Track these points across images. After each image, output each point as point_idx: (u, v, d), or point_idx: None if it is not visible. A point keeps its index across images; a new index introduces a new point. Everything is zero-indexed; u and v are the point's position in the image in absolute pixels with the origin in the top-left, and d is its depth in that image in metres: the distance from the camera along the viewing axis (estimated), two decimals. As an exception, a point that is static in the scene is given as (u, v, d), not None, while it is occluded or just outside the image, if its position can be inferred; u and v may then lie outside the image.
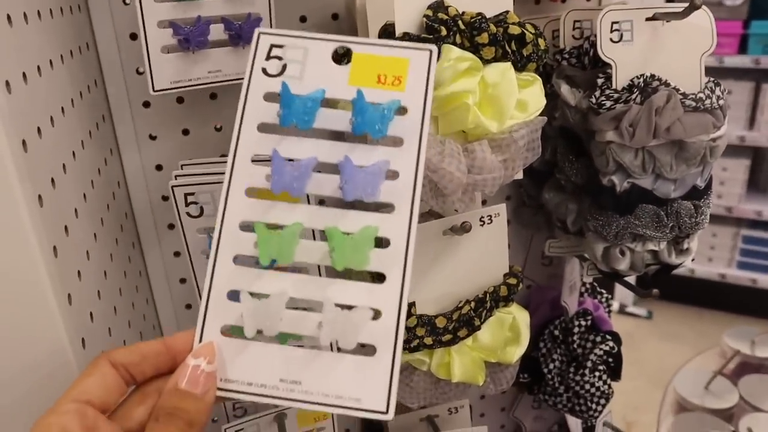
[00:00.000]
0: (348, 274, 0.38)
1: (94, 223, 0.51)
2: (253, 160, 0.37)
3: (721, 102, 0.56)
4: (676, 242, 0.59)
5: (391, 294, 0.34)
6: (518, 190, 0.74)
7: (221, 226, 0.37)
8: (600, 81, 0.56)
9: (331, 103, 0.38)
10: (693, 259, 0.62)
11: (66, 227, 0.43)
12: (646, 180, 0.57)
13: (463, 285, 0.55)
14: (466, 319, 0.52)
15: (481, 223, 0.54)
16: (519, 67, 0.47)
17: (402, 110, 0.37)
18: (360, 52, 0.38)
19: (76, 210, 0.46)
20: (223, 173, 0.48)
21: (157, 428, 0.32)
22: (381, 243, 0.35)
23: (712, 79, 0.58)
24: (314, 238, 0.37)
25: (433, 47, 0.37)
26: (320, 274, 0.44)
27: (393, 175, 0.36)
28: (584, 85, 0.58)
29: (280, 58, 0.38)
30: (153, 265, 0.67)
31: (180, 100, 0.62)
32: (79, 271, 0.44)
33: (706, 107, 0.55)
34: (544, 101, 0.48)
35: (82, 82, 0.54)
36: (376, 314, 0.34)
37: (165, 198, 0.65)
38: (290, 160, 0.37)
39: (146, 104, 0.62)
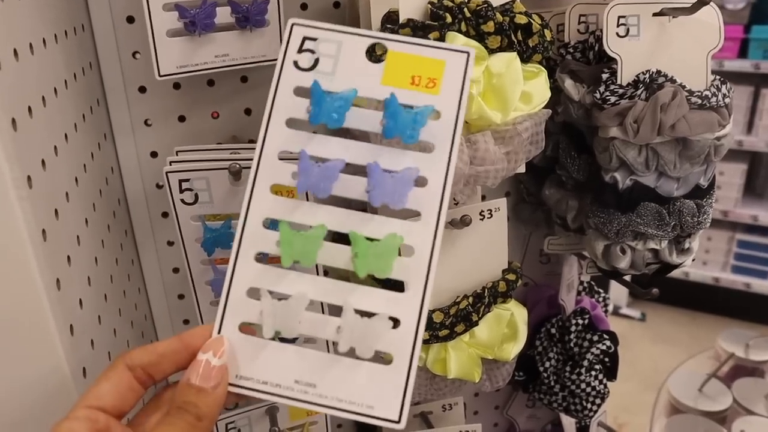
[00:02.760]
0: (356, 281, 0.37)
1: (86, 209, 0.50)
2: (279, 157, 0.36)
3: (726, 100, 0.55)
4: (678, 241, 0.59)
5: (412, 304, 0.34)
6: (518, 186, 0.73)
7: (245, 221, 0.36)
8: (605, 76, 0.55)
9: (361, 102, 0.37)
10: (693, 259, 0.62)
11: (56, 210, 0.42)
12: (649, 177, 0.56)
13: (462, 280, 0.54)
14: (463, 315, 0.51)
15: (481, 217, 0.53)
16: (524, 58, 0.46)
17: (435, 114, 0.35)
18: (395, 51, 0.37)
19: (67, 194, 0.45)
20: (220, 160, 0.48)
21: (167, 421, 0.32)
22: (405, 251, 0.34)
23: (718, 77, 0.57)
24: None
25: (471, 50, 0.36)
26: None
27: (422, 181, 0.35)
28: (588, 80, 0.58)
29: (312, 52, 0.37)
30: (146, 254, 0.66)
31: (177, 86, 0.61)
32: (68, 256, 0.43)
33: (712, 105, 0.54)
34: (548, 93, 0.48)
35: (77, 64, 0.52)
36: (395, 323, 0.33)
37: (159, 186, 0.64)
38: (317, 158, 0.36)
39: (142, 89, 0.60)
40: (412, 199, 0.35)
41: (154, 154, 0.62)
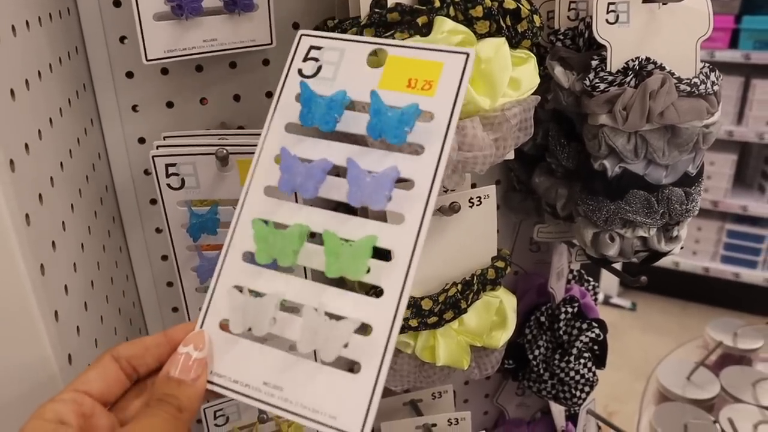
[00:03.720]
0: (350, 285, 0.37)
1: (72, 194, 0.49)
2: (276, 160, 0.37)
3: (715, 88, 0.55)
4: (666, 229, 0.59)
5: (386, 310, 0.32)
6: (508, 174, 0.73)
7: (236, 221, 0.37)
8: (594, 63, 0.55)
9: (355, 106, 0.37)
10: (682, 247, 0.62)
11: (40, 195, 0.42)
12: (638, 165, 0.56)
13: (450, 267, 0.54)
14: (452, 302, 0.51)
15: (470, 204, 0.53)
16: (513, 44, 0.46)
17: (427, 116, 0.35)
18: (395, 55, 0.37)
19: (51, 179, 0.45)
20: (207, 145, 0.47)
21: (148, 413, 0.33)
22: (384, 255, 0.34)
23: (707, 64, 0.57)
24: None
25: (471, 51, 0.35)
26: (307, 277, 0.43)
27: (409, 184, 0.34)
28: (578, 68, 0.57)
29: (316, 60, 0.38)
30: (134, 241, 0.65)
31: (165, 71, 0.60)
32: (53, 242, 0.43)
33: (701, 93, 0.54)
34: (537, 80, 0.47)
35: (62, 47, 0.52)
36: (367, 329, 0.33)
37: (147, 172, 0.63)
38: (305, 160, 0.36)
39: (129, 74, 0.60)
40: (395, 202, 0.34)
41: (141, 141, 0.62)
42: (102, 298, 0.54)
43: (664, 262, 2.43)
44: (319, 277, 0.36)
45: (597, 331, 0.70)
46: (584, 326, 0.70)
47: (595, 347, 0.72)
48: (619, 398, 1.77)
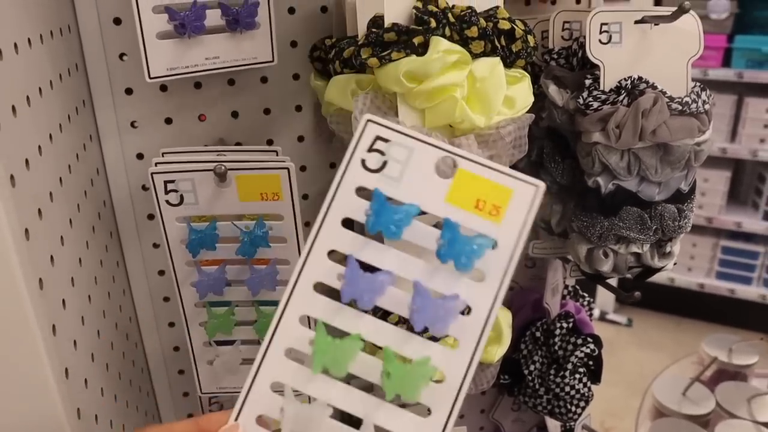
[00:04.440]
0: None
1: (70, 209, 0.50)
2: (329, 255, 0.36)
3: (706, 107, 0.56)
4: (659, 245, 0.59)
5: (434, 430, 0.33)
6: (503, 190, 0.73)
7: (281, 314, 0.36)
8: (588, 82, 0.56)
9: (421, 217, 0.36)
10: (675, 263, 0.62)
11: (39, 210, 0.42)
12: (631, 182, 0.57)
13: (446, 282, 0.54)
14: (447, 317, 0.52)
15: (466, 220, 0.53)
16: (508, 63, 0.47)
17: (493, 243, 0.35)
18: (465, 169, 0.36)
19: (51, 194, 0.45)
20: (205, 161, 0.48)
21: None
22: (437, 377, 0.34)
23: (698, 83, 0.58)
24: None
25: (541, 184, 0.35)
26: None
27: (466, 310, 0.34)
28: (572, 86, 0.58)
29: (382, 153, 0.36)
30: (131, 256, 0.66)
31: (164, 88, 0.61)
32: (52, 256, 0.43)
33: (692, 111, 0.55)
34: (531, 98, 0.48)
35: (63, 64, 0.53)
36: None
37: (145, 188, 0.64)
38: (366, 265, 0.35)
39: (128, 91, 0.60)
40: (453, 327, 0.34)
41: (140, 156, 0.62)
42: (99, 313, 0.54)
43: (659, 279, 2.42)
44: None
45: (592, 346, 0.70)
46: (579, 341, 0.70)
47: (590, 362, 0.72)
48: (615, 414, 1.76)
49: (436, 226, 0.35)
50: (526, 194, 0.35)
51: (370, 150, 0.36)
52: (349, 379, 0.35)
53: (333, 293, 0.36)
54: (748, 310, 2.15)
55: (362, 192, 0.36)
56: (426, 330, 0.35)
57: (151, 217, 0.65)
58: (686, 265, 2.24)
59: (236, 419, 0.35)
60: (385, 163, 0.36)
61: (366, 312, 0.35)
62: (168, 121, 0.62)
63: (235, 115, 0.64)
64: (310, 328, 0.36)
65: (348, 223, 0.36)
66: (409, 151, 0.36)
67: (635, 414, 1.26)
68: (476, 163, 0.36)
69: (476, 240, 0.34)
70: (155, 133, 0.62)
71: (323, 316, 0.35)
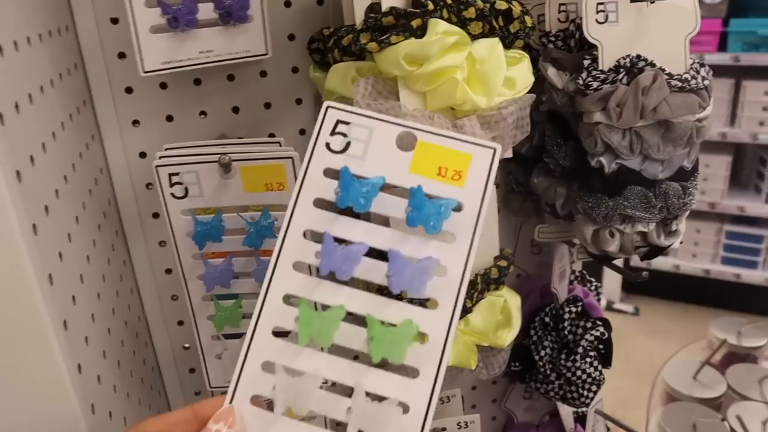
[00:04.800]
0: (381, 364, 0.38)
1: (76, 207, 0.50)
2: (304, 235, 0.37)
3: (706, 83, 0.56)
4: (665, 224, 0.59)
5: (422, 391, 0.34)
6: (507, 177, 0.73)
7: (264, 296, 0.37)
8: (586, 62, 0.56)
9: (388, 188, 0.38)
10: (681, 242, 0.62)
11: (46, 207, 0.42)
12: (634, 161, 0.57)
13: (453, 267, 0.54)
14: (456, 301, 0.52)
15: (471, 204, 0.53)
16: (506, 44, 0.47)
17: (458, 206, 0.37)
18: (424, 141, 0.38)
19: (56, 191, 0.45)
20: (209, 154, 0.48)
21: None
22: (419, 338, 0.35)
23: (697, 60, 0.58)
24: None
25: (498, 146, 0.37)
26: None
27: (441, 270, 0.36)
28: (571, 68, 0.58)
29: (344, 135, 0.38)
30: (137, 255, 0.66)
31: (163, 85, 0.61)
32: (60, 252, 0.43)
33: (692, 87, 0.55)
34: (532, 79, 0.48)
35: (62, 64, 0.53)
36: (405, 409, 0.34)
37: (149, 186, 0.64)
38: (341, 239, 0.37)
39: (129, 90, 0.60)
40: (430, 287, 0.35)
41: (142, 155, 0.63)
42: (108, 311, 0.54)
43: (664, 266, 2.41)
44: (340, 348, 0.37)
45: (602, 329, 0.70)
46: (588, 325, 0.70)
47: (601, 346, 0.72)
48: (625, 403, 1.76)
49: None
50: (485, 157, 0.37)
51: (333, 133, 0.39)
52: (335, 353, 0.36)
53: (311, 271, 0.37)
54: (755, 294, 2.15)
55: (329, 173, 0.38)
56: (404, 295, 0.36)
57: (156, 215, 0.65)
58: (691, 252, 2.24)
59: (230, 402, 0.36)
60: (348, 144, 0.38)
61: (345, 284, 0.37)
62: (169, 118, 0.62)
63: (235, 110, 0.64)
64: (293, 305, 0.36)
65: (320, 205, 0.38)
66: (370, 131, 0.38)
67: (645, 402, 1.26)
68: (434, 134, 0.38)
69: (441, 202, 0.36)
70: (157, 130, 0.62)
71: (306, 293, 0.36)
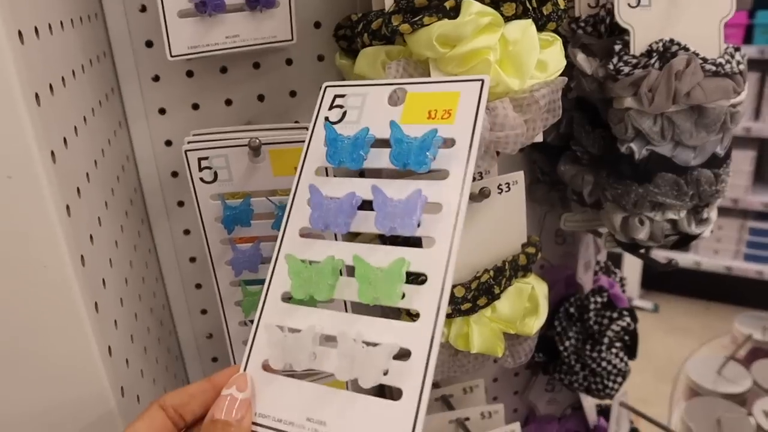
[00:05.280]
0: (385, 312, 0.38)
1: (105, 192, 0.50)
2: (308, 203, 0.38)
3: (741, 67, 0.55)
4: (696, 211, 0.58)
5: (422, 333, 0.33)
6: (532, 166, 0.73)
7: (274, 263, 0.38)
8: (617, 47, 0.55)
9: (382, 144, 0.38)
10: (712, 231, 0.61)
11: (78, 189, 0.42)
12: (665, 147, 0.56)
13: (481, 255, 0.54)
14: (485, 288, 0.51)
15: (499, 190, 0.53)
16: (539, 26, 0.46)
17: (450, 142, 0.36)
18: (413, 92, 0.38)
19: (87, 174, 0.46)
20: (237, 139, 0.48)
21: None
22: (418, 279, 0.34)
23: (731, 44, 0.57)
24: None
25: (486, 77, 0.36)
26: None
27: (435, 208, 0.35)
28: (601, 54, 0.57)
29: (341, 107, 0.40)
30: (162, 243, 0.66)
31: (190, 73, 0.61)
32: (91, 235, 0.44)
33: (727, 72, 0.54)
34: (564, 62, 0.48)
35: (92, 51, 0.53)
36: (406, 354, 0.33)
37: (174, 174, 0.64)
38: (334, 198, 0.37)
39: (156, 78, 0.61)
40: (425, 226, 0.35)
41: (168, 143, 0.63)
42: (135, 296, 0.55)
43: (685, 262, 2.38)
44: (359, 310, 0.36)
45: (628, 319, 0.69)
46: (615, 315, 0.70)
47: (626, 337, 0.71)
48: (644, 400, 1.73)
49: None
50: (473, 91, 0.36)
51: (331, 107, 0.40)
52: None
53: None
54: (778, 291, 2.11)
55: None
56: (396, 236, 0.35)
57: (181, 204, 0.65)
58: (713, 248, 2.21)
59: (244, 369, 0.36)
60: (344, 114, 0.39)
61: (348, 240, 0.37)
62: (195, 106, 0.62)
63: (261, 98, 0.64)
64: None
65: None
66: (363, 97, 0.39)
67: (665, 400, 1.25)
68: (422, 83, 0.38)
69: (423, 136, 0.36)
70: (183, 119, 0.62)
71: (303, 254, 0.37)
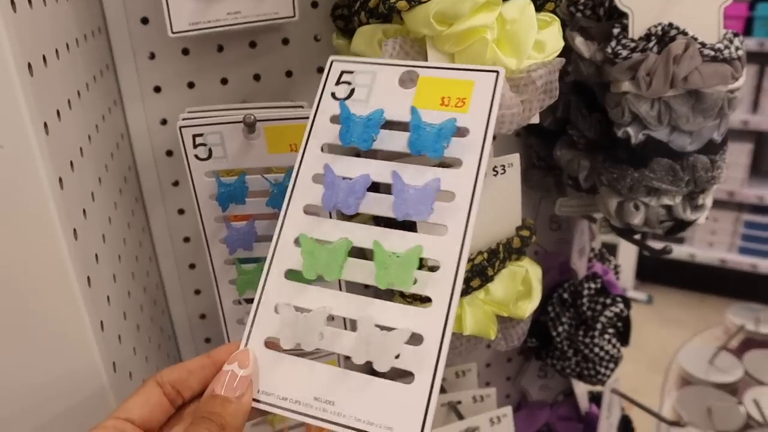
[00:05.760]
0: (396, 296, 0.38)
1: (99, 168, 0.50)
2: (313, 180, 0.38)
3: (739, 53, 0.55)
4: (691, 197, 0.58)
5: (436, 319, 0.33)
6: (528, 151, 0.73)
7: (277, 240, 0.37)
8: (616, 31, 0.55)
9: (393, 126, 0.38)
10: (707, 218, 0.61)
11: (71, 162, 0.42)
12: (662, 132, 0.56)
13: (475, 237, 0.53)
14: (479, 269, 0.51)
15: (494, 173, 0.53)
16: (537, 6, 0.46)
17: (464, 131, 0.36)
18: (426, 76, 0.38)
19: (81, 149, 0.45)
20: (232, 116, 0.48)
21: (189, 430, 0.33)
22: (431, 266, 0.34)
23: (730, 30, 0.56)
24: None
25: (501, 69, 0.36)
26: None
27: (449, 196, 0.35)
28: (599, 37, 0.57)
29: (348, 83, 0.39)
30: (156, 222, 0.66)
31: (186, 51, 0.61)
32: (84, 210, 0.43)
33: (725, 57, 0.54)
34: (562, 42, 0.47)
35: (86, 25, 0.52)
36: (418, 339, 0.33)
37: (169, 153, 0.64)
38: (345, 177, 0.37)
39: (151, 55, 0.60)
40: (438, 213, 0.35)
41: (163, 122, 0.62)
42: (128, 274, 0.55)
43: (680, 254, 2.38)
44: (358, 293, 0.36)
45: (621, 305, 0.70)
46: (608, 301, 0.70)
47: (619, 323, 0.71)
48: (637, 390, 1.74)
49: None
50: (488, 81, 0.36)
51: (338, 83, 0.39)
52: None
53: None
54: (772, 284, 2.12)
55: (336, 119, 0.39)
56: (410, 222, 0.36)
57: (176, 183, 0.65)
58: (707, 241, 2.21)
59: (246, 345, 0.36)
60: (352, 91, 0.39)
61: (351, 220, 0.37)
62: (191, 85, 0.62)
63: (257, 77, 0.63)
64: None
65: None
66: (372, 75, 0.39)
67: (657, 390, 1.26)
68: (435, 68, 0.38)
69: (439, 124, 0.36)
70: (178, 97, 0.62)
71: (311, 232, 0.37)
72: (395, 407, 0.32)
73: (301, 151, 0.39)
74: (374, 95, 0.38)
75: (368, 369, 0.34)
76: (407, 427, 0.31)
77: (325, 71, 0.40)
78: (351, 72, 0.39)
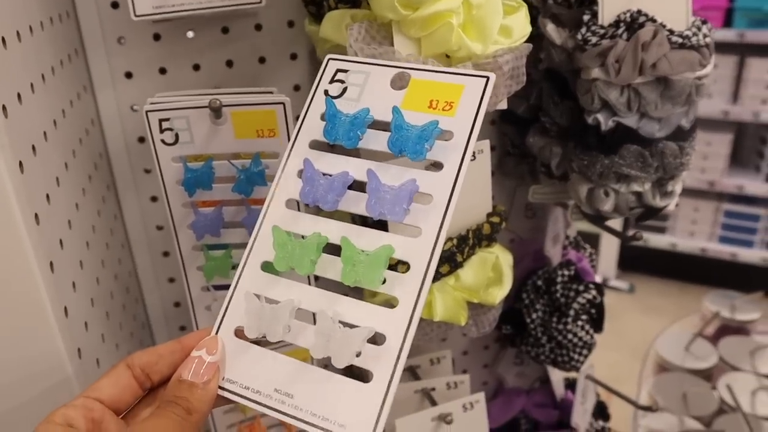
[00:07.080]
0: (367, 295, 0.38)
1: (65, 154, 0.49)
2: (299, 175, 0.38)
3: (707, 40, 0.55)
4: (660, 184, 0.59)
5: (399, 320, 0.33)
6: (502, 138, 0.73)
7: (258, 231, 0.38)
8: (586, 17, 0.55)
9: (378, 125, 0.38)
10: (677, 204, 0.62)
11: (33, 147, 0.42)
12: (631, 119, 0.56)
13: (446, 223, 0.54)
14: (447, 255, 0.51)
15: (465, 159, 0.53)
16: (504, -8, 0.46)
17: (448, 135, 0.36)
18: (418, 78, 0.38)
19: (45, 134, 0.45)
20: (199, 101, 0.47)
21: (157, 413, 0.33)
22: (402, 267, 0.34)
23: (699, 17, 0.57)
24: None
25: (491, 75, 0.36)
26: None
27: (426, 199, 0.35)
28: (570, 24, 0.57)
29: (342, 82, 0.39)
30: (129, 210, 0.65)
31: (157, 37, 0.60)
32: (48, 195, 0.43)
33: (693, 44, 0.54)
34: (529, 28, 0.47)
35: (53, 8, 0.52)
36: (380, 339, 0.33)
37: (141, 140, 0.63)
38: (326, 174, 0.37)
39: (122, 41, 0.59)
40: (413, 215, 0.35)
41: (134, 108, 0.62)
42: (98, 261, 0.54)
43: (661, 244, 2.40)
44: (334, 290, 0.36)
45: (594, 292, 0.70)
46: (581, 288, 0.70)
47: (592, 309, 0.72)
48: (618, 379, 1.76)
49: None
50: (477, 86, 0.36)
51: (332, 81, 0.39)
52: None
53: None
54: (751, 273, 2.15)
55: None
56: (383, 221, 0.36)
57: (148, 171, 0.65)
58: (688, 230, 2.24)
59: (216, 332, 0.37)
60: (345, 89, 0.39)
61: (330, 217, 0.37)
62: (162, 71, 0.61)
63: (229, 64, 0.63)
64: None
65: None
66: (366, 75, 0.39)
67: (638, 378, 1.27)
68: (428, 71, 0.38)
69: (423, 126, 0.36)
70: (149, 83, 0.61)
71: (289, 226, 0.37)
72: (351, 405, 0.32)
73: (289, 146, 0.39)
74: (365, 95, 0.38)
75: (346, 368, 0.35)
76: (360, 425, 0.31)
77: (321, 69, 0.40)
78: (346, 71, 0.39)
